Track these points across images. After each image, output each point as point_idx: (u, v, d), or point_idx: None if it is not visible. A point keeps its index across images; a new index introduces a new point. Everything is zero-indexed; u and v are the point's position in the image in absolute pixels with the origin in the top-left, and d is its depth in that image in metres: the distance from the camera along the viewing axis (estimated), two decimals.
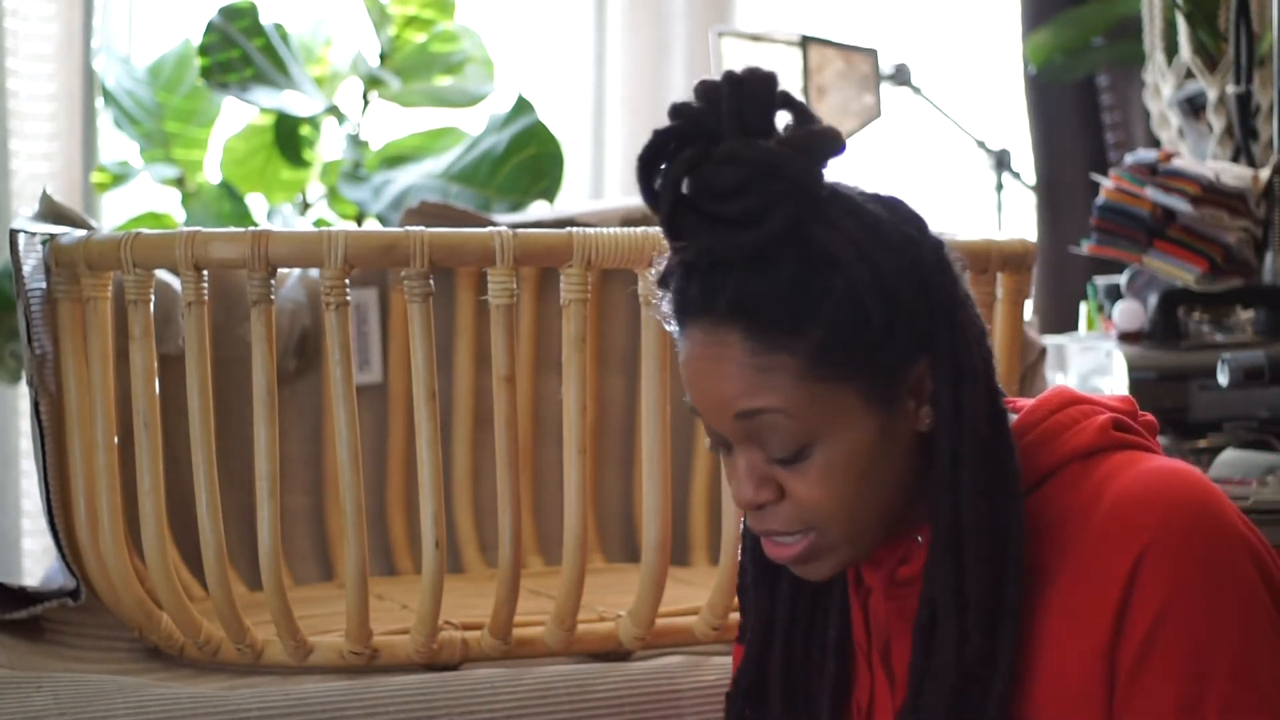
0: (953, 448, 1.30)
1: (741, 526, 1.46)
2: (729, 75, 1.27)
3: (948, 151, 3.75)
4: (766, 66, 1.28)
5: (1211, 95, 2.74)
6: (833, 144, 1.27)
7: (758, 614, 1.46)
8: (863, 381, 1.28)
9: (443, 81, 3.36)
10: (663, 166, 1.28)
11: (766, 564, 1.41)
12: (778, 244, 1.26)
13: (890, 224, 1.29)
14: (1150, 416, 1.40)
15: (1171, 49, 2.84)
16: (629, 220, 2.36)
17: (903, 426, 1.30)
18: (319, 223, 3.39)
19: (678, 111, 1.28)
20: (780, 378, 1.27)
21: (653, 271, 1.34)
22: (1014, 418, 1.36)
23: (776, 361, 1.27)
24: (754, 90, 1.27)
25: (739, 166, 1.25)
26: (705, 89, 1.27)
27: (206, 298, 1.83)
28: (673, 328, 1.32)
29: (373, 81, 3.34)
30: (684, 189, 1.26)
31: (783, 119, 1.28)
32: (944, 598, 1.30)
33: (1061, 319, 3.39)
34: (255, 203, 3.35)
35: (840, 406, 1.28)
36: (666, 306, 1.32)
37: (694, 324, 1.29)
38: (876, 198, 1.31)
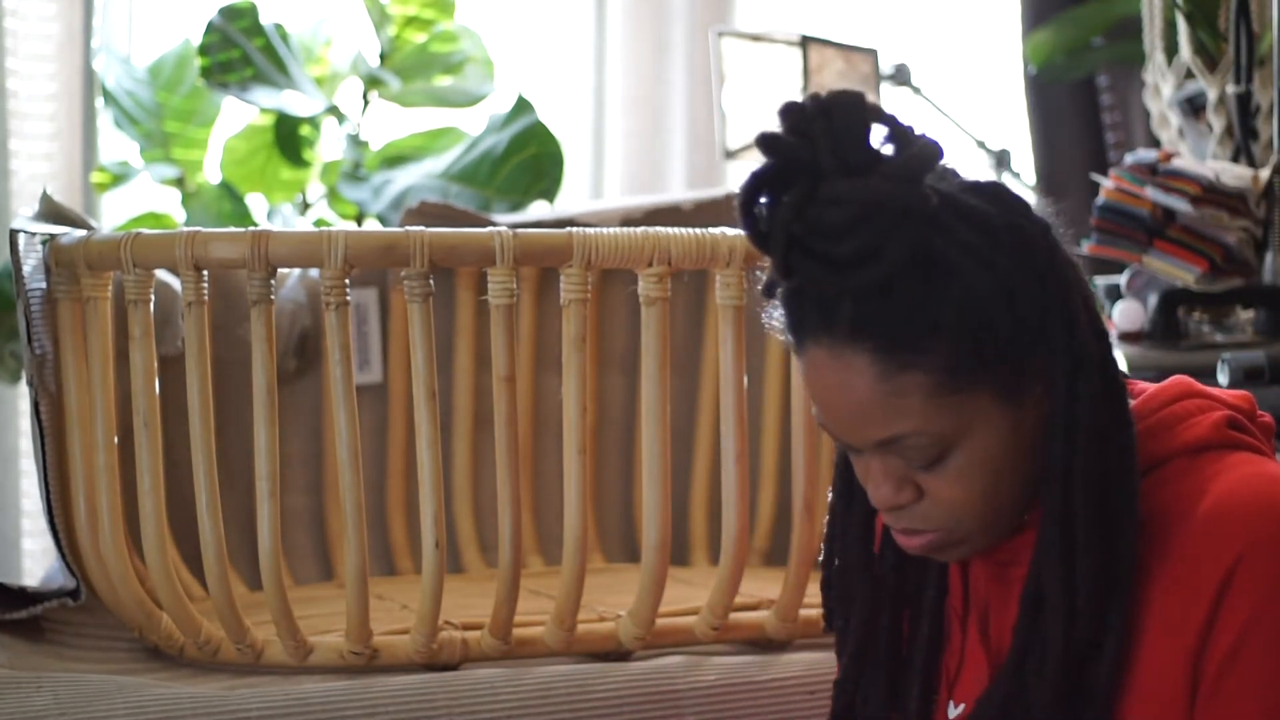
0: (1067, 435, 1.28)
1: (831, 512, 1.44)
2: (818, 105, 1.24)
3: (948, 151, 3.74)
4: (850, 86, 1.26)
5: (1211, 95, 2.73)
6: (934, 156, 1.26)
7: (862, 601, 1.43)
8: (995, 384, 1.27)
9: (443, 81, 3.36)
10: (763, 201, 1.26)
11: (867, 549, 1.41)
12: (898, 272, 1.24)
13: (999, 218, 1.27)
14: (1268, 417, 1.38)
15: (1171, 49, 2.84)
16: (629, 220, 2.36)
17: (1033, 415, 1.29)
18: (319, 223, 3.39)
19: (771, 146, 1.25)
20: (913, 399, 1.26)
21: (759, 286, 1.32)
22: (1131, 403, 1.35)
23: (908, 382, 1.25)
24: (846, 119, 1.24)
25: (846, 207, 1.23)
26: (793, 119, 1.25)
27: (206, 298, 1.83)
28: (785, 339, 1.30)
29: (373, 81, 3.34)
30: (794, 231, 1.24)
31: (879, 133, 1.26)
32: (1054, 579, 1.29)
33: None
34: (255, 203, 3.35)
35: (975, 411, 1.27)
36: (777, 319, 1.31)
37: (814, 344, 1.27)
38: (979, 188, 1.29)
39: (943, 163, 1.28)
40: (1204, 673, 1.27)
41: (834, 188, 1.23)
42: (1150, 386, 1.38)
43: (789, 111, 1.25)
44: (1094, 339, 1.30)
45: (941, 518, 1.31)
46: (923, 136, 1.26)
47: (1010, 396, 1.28)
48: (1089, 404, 1.28)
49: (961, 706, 1.40)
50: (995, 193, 1.29)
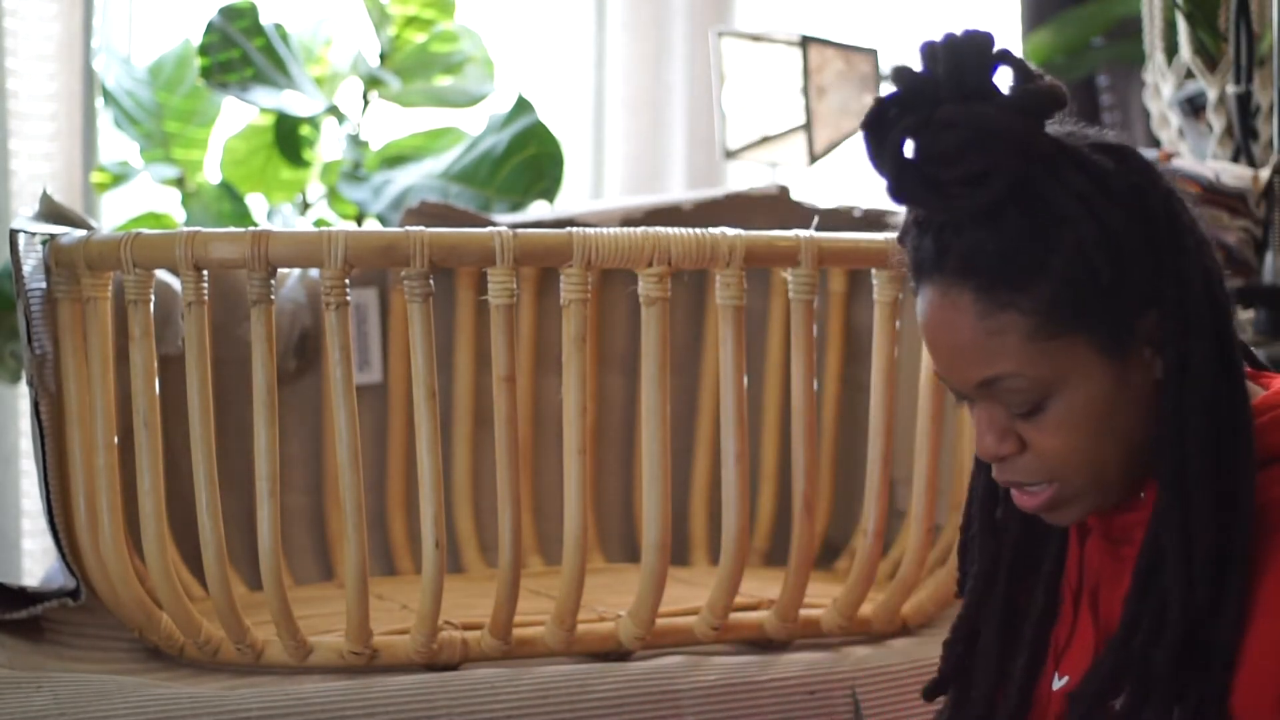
0: (1178, 400, 1.29)
1: (972, 477, 1.47)
2: (948, 38, 1.29)
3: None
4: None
5: (1211, 95, 2.74)
6: (1054, 100, 1.28)
7: (983, 560, 1.45)
8: (1094, 334, 1.28)
9: (443, 81, 3.36)
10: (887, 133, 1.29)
11: (992, 512, 1.43)
12: (1002, 204, 1.27)
13: (1118, 175, 1.29)
14: None
15: (1171, 49, 2.84)
16: (629, 220, 2.36)
17: (1139, 376, 1.30)
18: (319, 223, 3.39)
19: (899, 76, 1.29)
20: (1011, 339, 1.28)
21: (895, 234, 1.36)
22: (1262, 393, 1.36)
23: (1006, 321, 1.28)
24: (971, 51, 1.28)
25: (958, 131, 1.26)
26: (926, 51, 1.29)
27: (206, 298, 1.83)
28: (913, 286, 1.33)
29: (373, 81, 3.34)
30: (908, 154, 1.27)
31: (1004, 77, 1.29)
32: (1171, 546, 1.29)
33: None
34: (255, 203, 3.34)
35: (1074, 360, 1.28)
36: (907, 267, 1.33)
37: (928, 283, 1.31)
38: (1105, 146, 1.31)
39: (1076, 122, 1.30)
40: None
41: (948, 113, 1.26)
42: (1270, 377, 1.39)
43: (924, 46, 1.30)
44: (1210, 310, 1.31)
45: (1045, 470, 1.32)
46: (1047, 80, 1.29)
47: (1112, 350, 1.29)
48: (1202, 368, 1.29)
49: (1066, 679, 1.41)
50: (1122, 152, 1.31)
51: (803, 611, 1.98)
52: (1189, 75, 2.80)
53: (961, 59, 1.28)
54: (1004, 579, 1.45)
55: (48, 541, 3.02)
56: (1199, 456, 1.29)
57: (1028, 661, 1.43)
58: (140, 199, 3.38)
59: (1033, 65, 1.30)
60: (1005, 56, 1.29)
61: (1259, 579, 1.30)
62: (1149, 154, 1.34)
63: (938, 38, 1.30)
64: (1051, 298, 1.27)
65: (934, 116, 1.27)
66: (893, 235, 1.94)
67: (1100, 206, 1.27)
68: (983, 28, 1.31)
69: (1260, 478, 1.31)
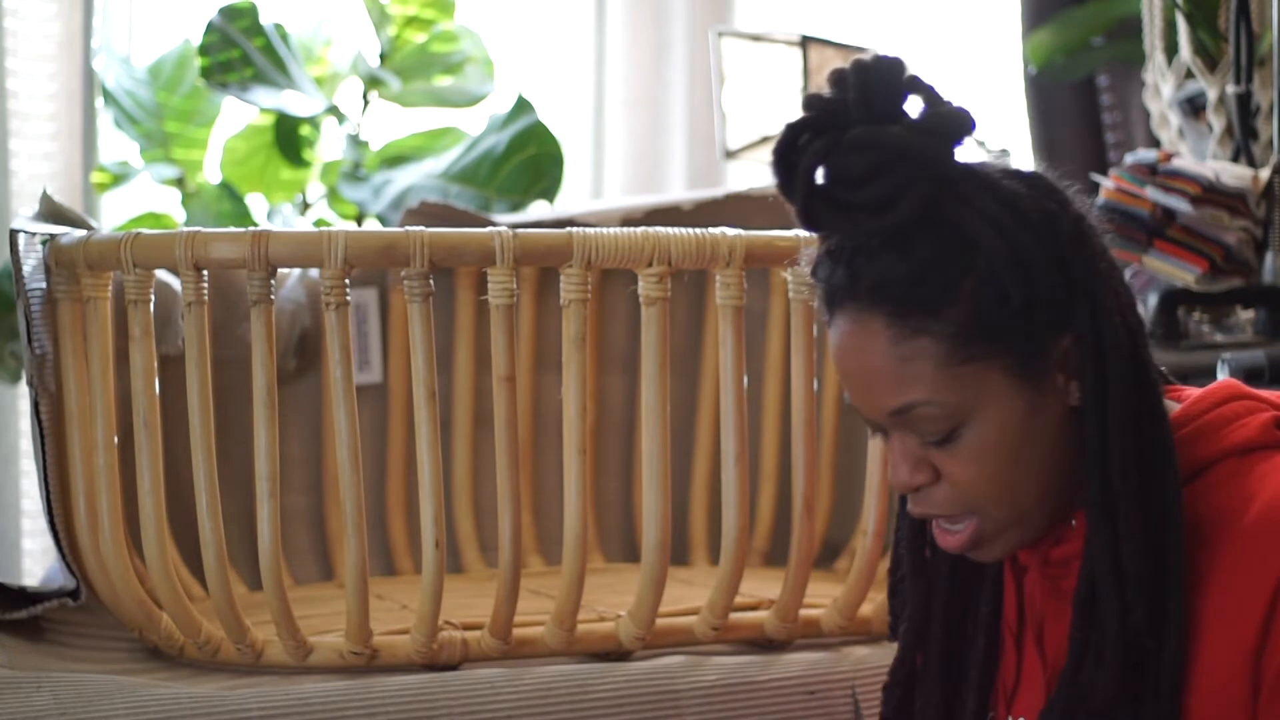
0: (1099, 422, 1.29)
1: (899, 517, 1.46)
2: (856, 63, 1.28)
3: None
4: (891, 54, 1.29)
5: (1211, 95, 2.73)
6: (963, 123, 1.28)
7: (915, 603, 1.45)
8: (1006, 360, 1.28)
9: (443, 81, 3.36)
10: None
11: (921, 551, 1.42)
12: (913, 227, 1.27)
13: (1029, 199, 1.29)
14: None
15: (1171, 49, 2.84)
16: (629, 220, 2.36)
17: (1054, 402, 1.30)
18: (319, 223, 3.39)
19: (810, 102, 1.29)
20: (923, 365, 1.27)
21: (802, 264, 1.36)
22: (1178, 407, 1.36)
23: (918, 348, 1.27)
24: (880, 76, 1.28)
25: (866, 153, 1.26)
26: (835, 77, 1.29)
27: (206, 298, 1.83)
28: (826, 319, 1.33)
29: (373, 81, 3.34)
30: (818, 179, 1.27)
31: (914, 103, 1.29)
32: (1103, 571, 1.29)
33: None
34: (255, 203, 3.35)
35: (986, 386, 1.28)
36: (819, 299, 1.33)
37: (840, 312, 1.30)
38: (1016, 173, 1.31)
39: (992, 149, 1.31)
40: (1265, 672, 1.27)
41: (857, 135, 1.26)
42: (1194, 391, 1.38)
43: (833, 73, 1.29)
44: (1125, 333, 1.30)
45: (960, 501, 1.31)
46: (955, 104, 1.29)
47: (1026, 376, 1.29)
48: (1120, 391, 1.29)
49: (1023, 719, 1.40)
50: (1033, 179, 1.31)
51: (803, 611, 1.98)
52: (1189, 75, 2.80)
53: (870, 84, 1.27)
54: (939, 621, 1.44)
55: (48, 541, 3.02)
56: (1124, 480, 1.29)
57: (976, 706, 1.42)
58: (140, 199, 3.38)
59: (940, 91, 1.29)
60: (914, 83, 1.29)
61: (1199, 593, 1.30)
62: (1076, 195, 1.34)
63: (848, 64, 1.29)
64: (963, 322, 1.27)
65: (843, 140, 1.26)
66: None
67: (1011, 229, 1.27)
68: (895, 54, 1.31)
69: (1186, 492, 1.31)
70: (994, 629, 1.43)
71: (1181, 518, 1.29)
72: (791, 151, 1.28)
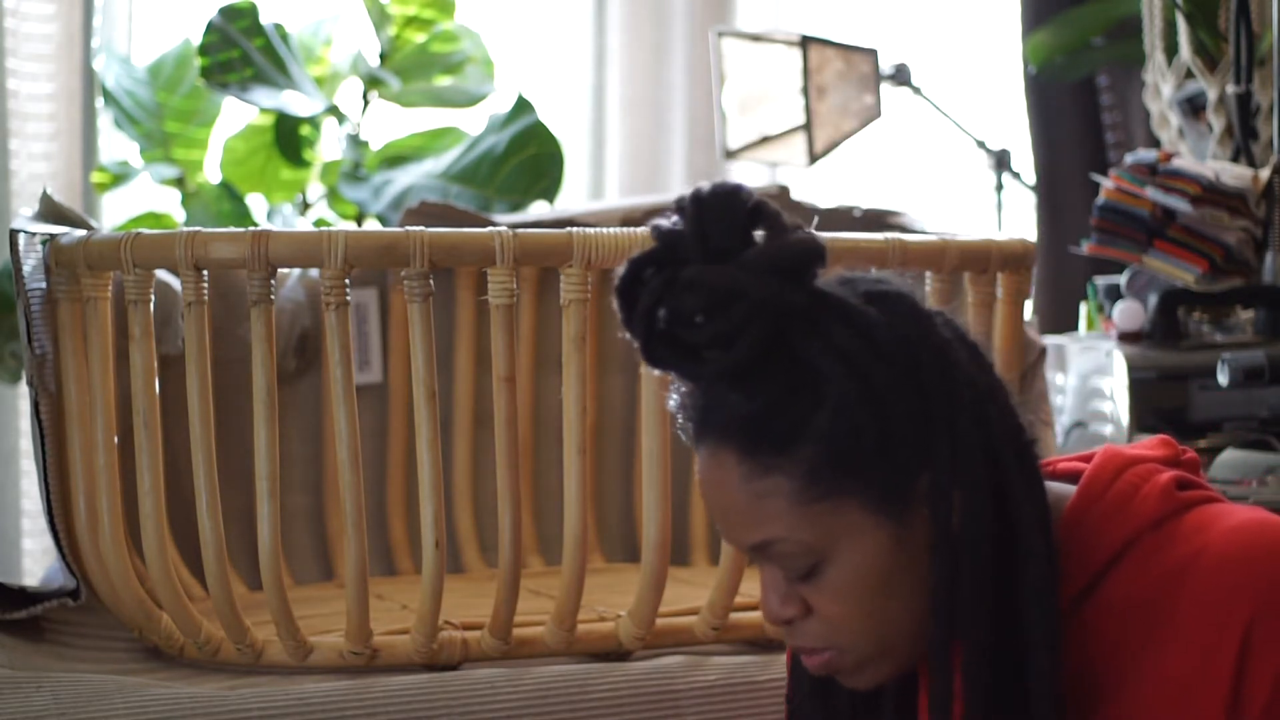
0: (943, 559, 1.24)
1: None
2: (695, 193, 1.23)
3: (948, 151, 3.75)
4: (738, 180, 1.24)
5: (1211, 95, 2.74)
6: (808, 254, 1.22)
7: None
8: (865, 496, 1.23)
9: (443, 81, 3.36)
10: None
11: (816, 678, 1.36)
12: (757, 364, 1.21)
13: (886, 327, 1.23)
14: (1193, 454, 1.35)
15: (1171, 49, 2.84)
16: (629, 220, 2.36)
17: (921, 534, 1.25)
18: (319, 223, 3.39)
19: (655, 233, 1.24)
20: (776, 502, 1.23)
21: (672, 401, 1.30)
22: (1069, 488, 1.31)
23: (771, 485, 1.23)
24: (719, 207, 1.22)
25: (700, 293, 1.20)
26: (679, 206, 1.23)
27: (206, 298, 1.83)
28: (694, 445, 1.28)
29: (373, 81, 3.34)
30: (660, 317, 1.22)
31: (761, 232, 1.23)
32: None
33: (1061, 319, 3.38)
34: (255, 203, 3.35)
35: (845, 522, 1.23)
36: (685, 434, 1.29)
37: (700, 446, 1.26)
38: (874, 295, 1.25)
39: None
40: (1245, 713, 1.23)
41: (691, 274, 1.21)
42: (1080, 466, 1.34)
43: (678, 200, 1.24)
44: (985, 464, 1.24)
45: (829, 636, 1.27)
46: (802, 233, 1.23)
47: (887, 511, 1.23)
48: (970, 531, 1.23)
49: None
50: (896, 304, 1.25)
51: None
52: (1189, 75, 2.80)
53: (708, 216, 1.22)
54: None
55: (48, 541, 3.02)
56: (972, 626, 1.23)
57: None
58: (140, 199, 3.38)
59: (786, 220, 1.23)
60: (758, 211, 1.22)
61: (1140, 671, 1.26)
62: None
63: (692, 193, 1.23)
64: (815, 459, 1.22)
65: (678, 277, 1.21)
66: (893, 235, 1.94)
67: (863, 362, 1.21)
68: (740, 181, 1.25)
69: (1113, 576, 1.27)
70: None
71: (1059, 649, 1.24)
72: (634, 286, 1.24)
